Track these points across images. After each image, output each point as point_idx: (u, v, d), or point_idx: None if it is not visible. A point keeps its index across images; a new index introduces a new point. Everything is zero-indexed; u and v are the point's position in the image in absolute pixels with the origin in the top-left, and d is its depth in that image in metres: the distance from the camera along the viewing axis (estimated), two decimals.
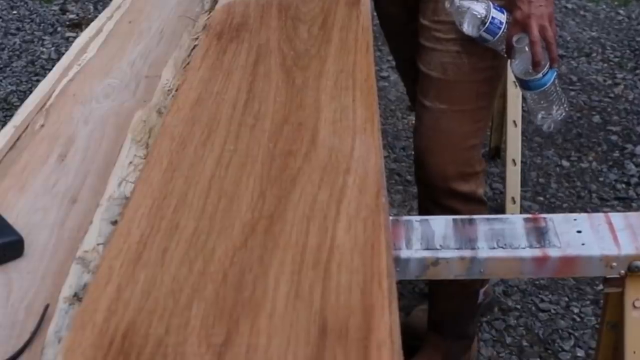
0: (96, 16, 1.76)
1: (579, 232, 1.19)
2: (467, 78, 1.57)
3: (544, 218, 1.22)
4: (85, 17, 3.85)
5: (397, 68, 2.04)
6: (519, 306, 2.11)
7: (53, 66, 1.42)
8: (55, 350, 0.76)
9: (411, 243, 1.18)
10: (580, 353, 1.96)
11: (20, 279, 0.86)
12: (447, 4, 1.49)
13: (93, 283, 0.79)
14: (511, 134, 2.37)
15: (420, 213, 1.69)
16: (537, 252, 1.16)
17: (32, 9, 3.98)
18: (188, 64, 1.30)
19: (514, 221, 1.22)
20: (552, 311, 2.09)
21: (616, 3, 4.01)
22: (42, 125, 1.17)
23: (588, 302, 2.11)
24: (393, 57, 2.03)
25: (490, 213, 1.69)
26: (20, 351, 0.76)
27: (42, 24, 3.83)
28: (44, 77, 1.37)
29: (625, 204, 2.52)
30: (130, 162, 1.07)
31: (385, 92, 3.15)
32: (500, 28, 1.47)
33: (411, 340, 1.73)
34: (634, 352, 1.18)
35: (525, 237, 1.18)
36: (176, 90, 1.21)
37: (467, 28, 1.48)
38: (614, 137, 2.88)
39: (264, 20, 1.38)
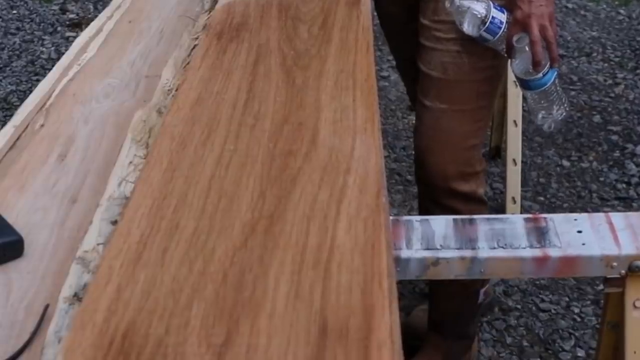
0: (96, 16, 1.76)
1: (580, 232, 1.19)
2: (467, 78, 1.57)
3: (545, 218, 1.22)
4: (85, 17, 3.85)
5: (397, 68, 2.04)
6: (519, 306, 2.11)
7: (53, 66, 1.42)
8: (55, 350, 0.76)
9: (411, 243, 1.18)
10: (580, 353, 1.96)
11: (20, 279, 0.86)
12: (447, 4, 1.49)
13: (93, 283, 0.79)
14: (511, 133, 2.36)
15: (421, 213, 1.69)
16: (537, 252, 1.16)
17: (32, 8, 3.98)
18: (188, 63, 1.30)
19: (515, 221, 1.22)
20: (553, 311, 2.09)
21: (617, 3, 4.01)
22: (42, 125, 1.17)
23: (588, 302, 2.11)
24: (393, 57, 2.03)
25: (490, 213, 1.69)
26: (20, 351, 0.76)
27: (42, 24, 3.83)
28: (44, 76, 1.37)
29: (626, 204, 2.52)
30: (130, 162, 1.07)
31: (386, 92, 3.15)
32: (500, 28, 1.46)
33: (411, 340, 1.73)
34: (635, 352, 1.18)
35: (525, 237, 1.18)
36: (176, 90, 1.21)
37: (468, 28, 1.48)
38: (614, 137, 2.88)
39: (264, 20, 1.38)
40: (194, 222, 0.86)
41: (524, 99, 1.94)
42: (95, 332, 0.72)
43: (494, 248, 1.17)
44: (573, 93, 3.16)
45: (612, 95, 3.16)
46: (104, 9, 1.68)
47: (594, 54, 3.49)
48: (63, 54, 1.47)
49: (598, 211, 2.41)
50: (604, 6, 3.98)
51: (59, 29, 3.78)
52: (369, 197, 0.89)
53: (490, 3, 1.47)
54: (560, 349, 1.97)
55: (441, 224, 1.21)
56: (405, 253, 1.16)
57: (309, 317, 0.72)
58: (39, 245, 0.91)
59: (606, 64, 3.41)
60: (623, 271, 1.16)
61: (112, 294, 0.76)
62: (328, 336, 0.70)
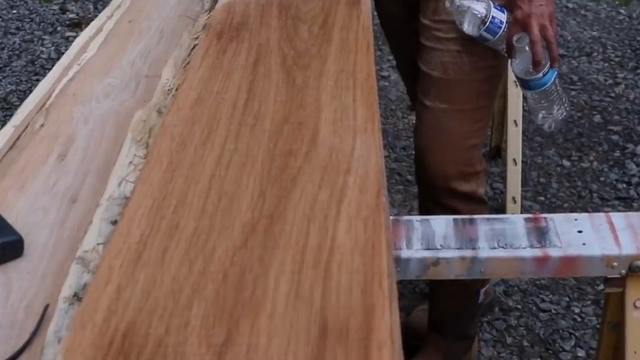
0: (96, 15, 1.76)
1: (580, 232, 1.19)
2: (467, 77, 1.56)
3: (545, 218, 1.22)
4: (85, 17, 3.85)
5: (397, 67, 2.03)
6: (519, 306, 2.11)
7: (53, 66, 1.42)
8: (55, 350, 0.76)
9: (412, 243, 1.18)
10: (581, 353, 1.96)
11: (20, 278, 0.86)
12: (447, 3, 1.49)
13: (93, 283, 0.79)
14: (512, 133, 2.36)
15: (421, 213, 1.69)
16: (537, 252, 1.16)
17: (31, 8, 3.98)
18: (188, 63, 1.30)
19: (515, 221, 1.22)
20: (553, 311, 2.08)
21: (617, 2, 4.00)
22: (42, 125, 1.17)
23: (589, 302, 2.11)
24: (393, 57, 2.03)
25: (490, 213, 1.69)
26: (20, 351, 0.75)
27: (42, 24, 3.83)
28: (44, 76, 1.37)
29: (626, 204, 2.52)
30: (130, 162, 1.07)
31: (386, 92, 3.15)
32: (500, 27, 1.46)
33: (412, 340, 1.73)
34: (635, 352, 1.18)
35: (526, 237, 1.18)
36: (176, 90, 1.21)
37: (468, 27, 1.48)
38: (614, 137, 2.88)
39: (264, 19, 1.38)
40: (194, 222, 0.86)
41: (524, 98, 1.94)
42: (95, 332, 0.72)
43: (494, 248, 1.17)
44: (573, 93, 3.15)
45: (613, 95, 3.16)
46: (103, 8, 1.68)
47: (595, 54, 3.49)
48: (63, 53, 1.47)
49: (598, 211, 2.41)
50: (605, 6, 3.98)
51: (58, 28, 3.78)
52: (369, 197, 0.89)
53: (491, 3, 1.47)
54: (560, 349, 1.97)
55: (441, 224, 1.21)
56: (405, 253, 1.16)
57: (309, 317, 0.72)
58: (39, 245, 0.91)
59: (606, 64, 3.41)
60: (623, 271, 1.16)
61: (112, 294, 0.76)
62: (328, 336, 0.70)
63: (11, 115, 1.26)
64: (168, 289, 0.76)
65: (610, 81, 3.26)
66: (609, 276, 1.17)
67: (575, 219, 1.22)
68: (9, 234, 0.90)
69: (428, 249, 1.17)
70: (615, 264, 1.15)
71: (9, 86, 3.28)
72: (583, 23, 3.81)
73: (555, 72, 1.48)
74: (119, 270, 0.79)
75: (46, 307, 0.81)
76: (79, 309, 0.76)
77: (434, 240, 1.18)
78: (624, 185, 2.61)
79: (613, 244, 1.16)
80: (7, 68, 3.43)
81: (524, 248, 1.16)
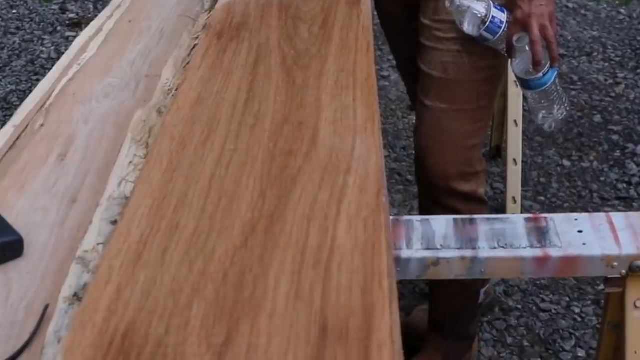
0: (96, 15, 1.76)
1: (580, 232, 1.19)
2: (467, 77, 1.56)
3: (545, 218, 1.22)
4: (85, 17, 3.85)
5: (397, 67, 2.03)
6: (519, 306, 2.10)
7: (53, 65, 1.42)
8: (55, 350, 0.75)
9: (412, 243, 1.18)
10: (581, 353, 1.95)
11: (19, 278, 0.86)
12: (447, 3, 1.48)
13: (93, 283, 0.79)
14: (512, 133, 2.36)
15: (421, 213, 1.69)
16: (538, 252, 1.16)
17: (31, 8, 3.98)
18: (188, 63, 1.30)
19: (515, 221, 1.22)
20: (553, 311, 2.08)
21: (617, 2, 4.00)
22: (42, 125, 1.17)
23: (589, 302, 2.11)
24: (394, 57, 2.03)
25: (491, 213, 1.69)
26: (20, 351, 0.75)
27: (42, 23, 3.83)
28: (44, 76, 1.37)
29: (627, 204, 2.52)
30: (130, 162, 1.07)
31: (386, 92, 3.15)
32: (500, 27, 1.46)
33: (412, 340, 1.73)
34: (635, 352, 1.18)
35: (526, 237, 1.18)
36: (176, 90, 1.21)
37: (468, 27, 1.48)
38: (615, 137, 2.88)
39: (264, 19, 1.38)
40: (194, 221, 0.86)
41: (525, 98, 1.94)
42: (95, 332, 0.72)
43: (495, 248, 1.17)
44: (574, 93, 3.15)
45: (613, 95, 3.16)
46: (103, 8, 1.68)
47: (595, 54, 3.49)
48: (63, 53, 1.46)
49: (599, 211, 2.41)
50: (605, 6, 3.98)
51: (58, 28, 3.78)
52: (369, 197, 0.89)
53: (491, 2, 1.47)
54: (560, 349, 1.97)
55: (441, 223, 1.21)
56: (405, 253, 1.16)
57: (309, 317, 0.72)
58: (39, 245, 0.91)
59: (607, 64, 3.41)
60: (624, 271, 1.16)
61: (112, 294, 0.76)
62: (328, 336, 0.70)
63: (11, 115, 1.25)
64: (168, 289, 0.76)
65: (611, 81, 3.26)
66: (609, 276, 1.17)
67: (576, 219, 1.22)
68: (9, 234, 0.90)
69: (428, 249, 1.17)
70: (615, 264, 1.15)
71: (9, 86, 3.28)
72: (583, 23, 3.81)
73: (556, 72, 1.48)
74: (119, 270, 0.79)
75: (46, 307, 0.81)
76: (79, 309, 0.76)
77: (434, 240, 1.18)
78: (624, 185, 2.61)
79: (613, 244, 1.16)
80: (7, 68, 3.43)
81: (524, 248, 1.16)
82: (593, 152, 2.80)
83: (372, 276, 0.77)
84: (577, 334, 2.01)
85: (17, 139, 1.14)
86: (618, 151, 2.79)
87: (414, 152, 1.71)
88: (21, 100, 2.86)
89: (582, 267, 1.17)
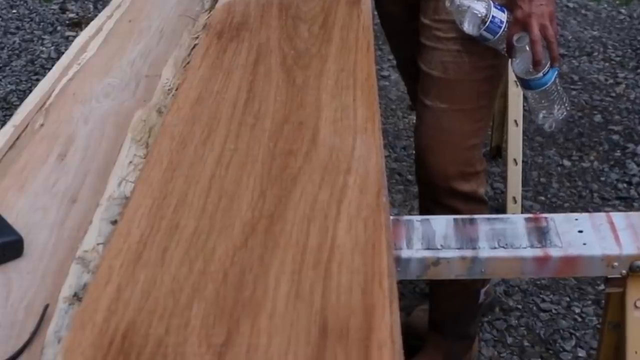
0: (96, 15, 1.76)
1: (580, 231, 1.19)
2: (467, 77, 1.56)
3: (545, 218, 1.22)
4: (85, 16, 3.85)
5: (397, 67, 2.03)
6: (520, 306, 2.10)
7: (53, 65, 1.42)
8: (55, 350, 0.75)
9: (412, 243, 1.17)
10: (581, 353, 1.95)
11: (19, 278, 0.86)
12: (447, 3, 1.48)
13: (93, 283, 0.79)
14: (512, 133, 2.36)
15: (421, 213, 1.69)
16: (538, 252, 1.16)
17: (31, 7, 3.98)
18: (188, 63, 1.30)
19: (515, 221, 1.22)
20: (554, 311, 2.08)
21: (617, 2, 4.00)
22: (42, 125, 1.17)
23: (589, 302, 2.11)
24: (394, 56, 2.03)
25: (491, 213, 1.69)
26: (20, 351, 0.75)
27: (42, 23, 3.82)
28: (44, 76, 1.37)
29: (627, 204, 2.51)
30: (130, 162, 1.07)
31: (386, 91, 3.14)
32: (500, 27, 1.46)
33: (412, 340, 1.73)
34: (636, 352, 1.18)
35: (526, 237, 1.18)
36: (176, 90, 1.21)
37: (468, 27, 1.48)
38: (615, 137, 2.88)
39: (265, 19, 1.38)
40: (194, 221, 0.86)
41: (525, 98, 1.94)
42: (95, 332, 0.72)
43: (495, 248, 1.17)
44: (574, 92, 3.15)
45: (613, 94, 3.16)
46: (103, 8, 1.68)
47: (595, 54, 3.49)
48: (63, 53, 1.46)
49: (599, 211, 2.41)
50: (605, 5, 3.98)
51: (58, 28, 3.78)
52: (369, 196, 0.89)
53: (491, 2, 1.47)
54: (561, 349, 1.97)
55: (442, 223, 1.21)
56: (405, 253, 1.16)
57: (310, 317, 0.72)
58: (39, 245, 0.91)
59: (607, 64, 3.41)
60: (624, 271, 1.16)
61: (112, 294, 0.76)
62: (328, 336, 0.70)
63: (11, 115, 1.25)
64: (168, 289, 0.76)
65: (611, 81, 3.26)
66: (609, 276, 1.17)
67: (576, 219, 1.22)
68: (9, 234, 0.90)
69: (428, 248, 1.17)
70: (615, 263, 1.15)
71: (8, 86, 3.28)
72: (584, 22, 3.81)
73: (556, 72, 1.48)
74: (119, 270, 0.79)
75: (46, 307, 0.81)
76: (79, 309, 0.76)
77: (435, 240, 1.18)
78: (625, 185, 2.61)
79: (614, 244, 1.16)
80: (7, 68, 3.43)
81: (525, 248, 1.16)
82: (593, 152, 2.80)
83: (372, 276, 0.77)
84: (577, 334, 2.01)
85: (17, 138, 1.14)
86: (618, 151, 2.79)
87: (414, 152, 1.71)
88: (21, 100, 2.86)
89: (582, 267, 1.17)
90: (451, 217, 1.23)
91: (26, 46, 3.62)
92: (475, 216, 1.23)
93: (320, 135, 1.01)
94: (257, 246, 0.82)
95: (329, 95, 1.11)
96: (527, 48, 1.43)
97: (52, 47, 3.59)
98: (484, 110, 1.63)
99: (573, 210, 2.46)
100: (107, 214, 0.96)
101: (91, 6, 3.97)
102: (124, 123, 1.17)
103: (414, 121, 1.73)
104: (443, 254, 1.16)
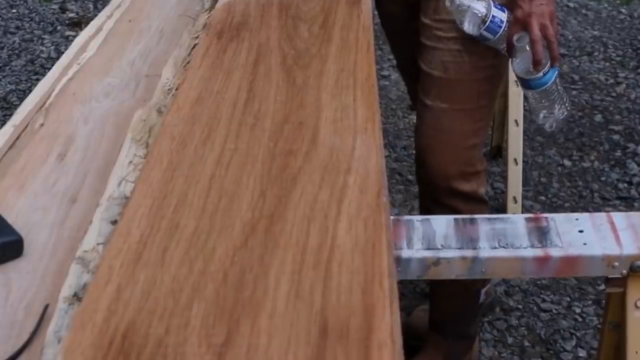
0: (96, 15, 1.76)
1: (581, 231, 1.19)
2: (468, 77, 1.56)
3: (546, 218, 1.22)
4: (85, 16, 3.85)
5: (398, 67, 2.03)
6: (520, 306, 2.10)
7: (53, 65, 1.41)
8: (55, 350, 0.75)
9: (412, 243, 1.17)
10: (582, 353, 1.95)
11: (19, 278, 0.86)
12: (447, 3, 1.48)
13: (93, 283, 0.79)
14: (513, 133, 2.36)
15: (422, 212, 1.69)
16: (538, 252, 1.16)
17: (31, 7, 3.98)
18: (188, 63, 1.30)
19: (516, 221, 1.22)
20: (554, 311, 2.08)
21: (618, 2, 4.00)
22: (42, 125, 1.17)
23: (590, 302, 2.11)
24: (394, 56, 2.02)
25: (491, 212, 1.69)
26: (20, 351, 0.75)
27: (42, 23, 3.82)
28: (44, 76, 1.37)
29: (627, 204, 2.51)
30: (130, 162, 1.07)
31: (386, 91, 3.14)
32: (500, 27, 1.46)
33: (412, 340, 1.72)
34: (636, 352, 1.18)
35: (526, 237, 1.18)
36: (176, 90, 1.21)
37: (468, 27, 1.48)
38: (616, 137, 2.88)
39: (265, 19, 1.38)
40: (194, 221, 0.86)
41: (525, 98, 1.94)
42: (95, 332, 0.72)
43: (495, 248, 1.17)
44: (574, 92, 3.15)
45: (614, 94, 3.16)
46: (103, 8, 1.68)
47: (596, 53, 3.49)
48: (63, 53, 1.46)
49: (599, 211, 2.41)
50: (606, 5, 3.98)
51: (58, 28, 3.78)
52: (369, 196, 0.88)
53: (491, 2, 1.47)
54: (561, 349, 1.97)
55: (442, 223, 1.21)
56: (406, 253, 1.16)
57: (310, 317, 0.72)
58: (39, 245, 0.91)
59: (608, 63, 3.40)
60: (624, 271, 1.16)
61: (112, 294, 0.76)
62: (328, 336, 0.70)
63: (11, 115, 1.25)
64: (168, 289, 0.76)
65: (612, 81, 3.26)
66: (610, 276, 1.17)
67: (576, 219, 1.21)
68: (8, 234, 0.90)
69: (429, 248, 1.17)
70: (616, 263, 1.15)
71: (8, 85, 3.28)
72: (584, 22, 3.80)
73: (556, 72, 1.48)
74: (119, 270, 0.79)
75: (46, 307, 0.81)
76: (79, 309, 0.75)
77: (435, 240, 1.18)
78: (625, 185, 2.60)
79: (614, 244, 1.16)
80: (7, 67, 3.43)
81: (525, 248, 1.16)
82: (594, 152, 2.80)
83: (372, 276, 0.77)
84: (578, 334, 2.01)
85: (17, 138, 1.14)
86: (619, 151, 2.79)
87: (414, 151, 1.71)
88: (21, 99, 2.86)
89: (582, 267, 1.17)
90: (451, 217, 1.23)
91: (26, 46, 3.62)
92: (476, 216, 1.23)
93: (320, 135, 1.01)
94: (257, 246, 0.82)
95: (329, 95, 1.11)
96: (528, 48, 1.43)
97: (52, 47, 3.59)
98: (485, 110, 1.63)
99: (573, 210, 2.46)
100: (107, 214, 0.96)
101: (91, 6, 3.97)
102: (124, 123, 1.17)
103: (414, 121, 1.73)
104: (443, 254, 1.16)
